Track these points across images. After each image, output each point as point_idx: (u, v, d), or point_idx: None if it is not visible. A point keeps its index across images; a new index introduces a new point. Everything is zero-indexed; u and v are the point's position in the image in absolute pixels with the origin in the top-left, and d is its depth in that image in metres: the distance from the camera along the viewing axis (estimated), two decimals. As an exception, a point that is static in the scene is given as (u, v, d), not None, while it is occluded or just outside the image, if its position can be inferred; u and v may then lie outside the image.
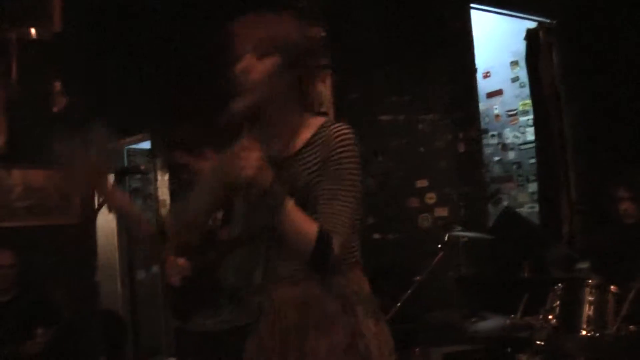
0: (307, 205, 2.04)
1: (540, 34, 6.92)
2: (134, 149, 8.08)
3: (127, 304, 7.80)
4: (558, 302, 3.54)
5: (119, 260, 8.02)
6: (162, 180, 7.14)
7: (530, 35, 6.97)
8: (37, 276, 4.97)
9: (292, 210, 1.99)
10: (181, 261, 3.53)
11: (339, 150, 2.05)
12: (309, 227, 2.01)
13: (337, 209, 2.04)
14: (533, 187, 7.56)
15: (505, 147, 8.01)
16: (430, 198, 5.91)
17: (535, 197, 7.42)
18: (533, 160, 7.40)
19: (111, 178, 3.37)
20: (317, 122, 2.14)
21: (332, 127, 2.09)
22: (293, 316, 2.12)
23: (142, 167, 3.01)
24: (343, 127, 2.09)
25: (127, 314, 7.68)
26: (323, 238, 2.00)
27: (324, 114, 5.22)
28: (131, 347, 7.81)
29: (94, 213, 5.00)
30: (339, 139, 2.06)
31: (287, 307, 2.12)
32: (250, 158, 1.92)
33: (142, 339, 7.76)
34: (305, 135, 2.11)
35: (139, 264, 7.78)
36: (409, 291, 3.94)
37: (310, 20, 5.33)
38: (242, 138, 2.01)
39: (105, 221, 7.83)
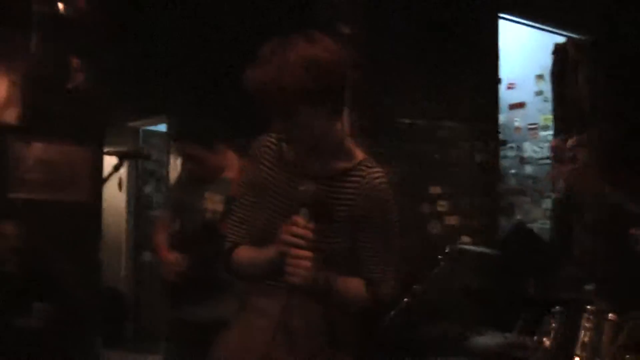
0: (341, 232, 2.12)
1: (569, 49, 6.84)
2: (151, 130, 8.11)
3: (130, 284, 7.85)
4: (554, 325, 3.49)
5: (125, 240, 8.05)
6: (176, 164, 7.15)
7: (558, 50, 6.89)
8: (39, 250, 4.98)
9: (339, 286, 2.10)
10: (175, 256, 3.51)
11: (384, 200, 2.15)
12: (357, 289, 2.15)
13: (387, 258, 2.18)
14: (547, 203, 7.49)
15: (523, 160, 7.94)
16: (442, 205, 5.86)
17: (549, 213, 7.35)
18: (550, 177, 7.33)
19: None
20: (356, 153, 2.18)
21: (373, 170, 2.14)
22: (303, 327, 2.12)
23: (145, 151, 2.99)
24: (382, 173, 2.15)
25: (129, 294, 7.72)
26: (374, 294, 2.16)
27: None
28: (131, 328, 7.88)
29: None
30: (382, 187, 2.14)
31: (299, 317, 2.11)
32: (301, 266, 1.96)
33: (143, 320, 7.84)
34: (344, 163, 2.15)
35: (146, 245, 7.81)
36: (405, 300, 3.90)
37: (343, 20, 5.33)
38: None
39: (115, 201, 7.89)
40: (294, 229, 1.96)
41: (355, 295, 2.14)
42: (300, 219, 1.97)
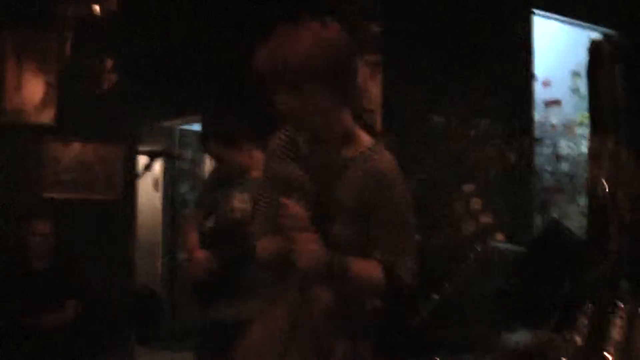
0: (353, 219, 2.12)
1: (605, 46, 6.72)
2: (186, 129, 8.16)
3: (164, 283, 7.90)
4: (586, 323, 3.45)
5: (161, 240, 8.11)
6: (211, 163, 7.18)
7: (594, 47, 6.77)
8: (73, 248, 5.05)
9: (354, 268, 2.07)
10: (204, 255, 3.53)
11: (391, 185, 2.13)
12: (373, 271, 2.13)
13: (400, 243, 2.16)
14: (584, 200, 7.38)
15: (559, 157, 7.83)
16: (476, 204, 5.81)
17: (585, 211, 7.23)
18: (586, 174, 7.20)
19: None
20: (364, 140, 2.19)
21: (379, 155, 2.15)
22: (320, 316, 2.13)
23: (175, 151, 3.02)
24: (389, 158, 2.15)
25: (163, 293, 7.77)
26: (391, 277, 2.13)
27: (371, 111, 5.18)
28: (166, 327, 7.94)
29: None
30: (388, 171, 2.14)
31: (319, 307, 2.13)
32: (306, 249, 1.98)
33: (177, 318, 7.89)
34: (351, 151, 2.16)
35: (181, 245, 7.87)
36: (437, 298, 3.89)
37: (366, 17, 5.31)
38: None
39: (151, 200, 7.96)
40: (286, 211, 1.99)
41: (371, 278, 2.12)
42: (289, 202, 2.01)
